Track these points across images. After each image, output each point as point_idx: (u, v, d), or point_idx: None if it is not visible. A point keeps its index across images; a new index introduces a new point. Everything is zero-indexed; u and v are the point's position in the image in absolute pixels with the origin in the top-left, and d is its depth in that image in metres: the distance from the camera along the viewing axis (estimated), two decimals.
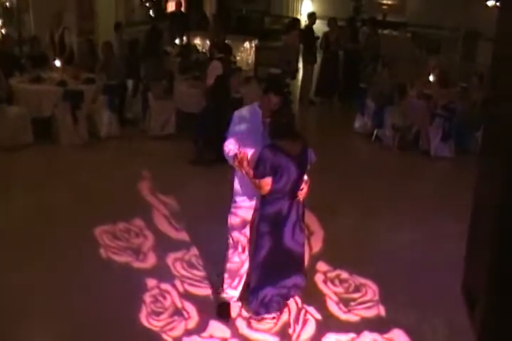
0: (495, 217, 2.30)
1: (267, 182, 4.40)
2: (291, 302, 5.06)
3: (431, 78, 10.34)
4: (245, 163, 4.41)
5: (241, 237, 4.77)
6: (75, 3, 12.28)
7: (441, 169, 8.98)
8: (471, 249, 2.66)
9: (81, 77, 9.25)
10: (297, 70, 12.40)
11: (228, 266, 4.86)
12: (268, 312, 4.85)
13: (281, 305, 4.90)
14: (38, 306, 4.94)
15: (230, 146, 4.59)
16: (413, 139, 9.50)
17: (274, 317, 4.90)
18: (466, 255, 2.63)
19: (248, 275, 4.84)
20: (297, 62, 12.17)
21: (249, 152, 4.53)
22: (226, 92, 8.30)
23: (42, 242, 5.93)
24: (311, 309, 5.08)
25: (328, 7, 19.17)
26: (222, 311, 4.95)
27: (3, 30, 11.19)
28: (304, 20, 14.99)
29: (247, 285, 4.87)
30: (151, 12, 15.82)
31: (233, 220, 4.76)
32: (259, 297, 4.78)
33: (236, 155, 4.43)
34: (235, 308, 5.00)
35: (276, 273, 4.78)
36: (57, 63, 9.51)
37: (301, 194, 4.63)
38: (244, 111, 4.77)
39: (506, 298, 2.23)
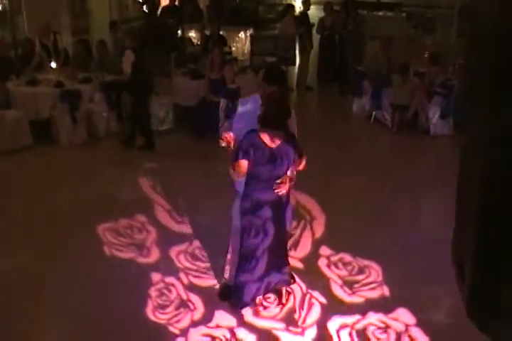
0: (479, 188, 2.32)
1: (242, 166, 4.40)
2: (295, 287, 5.11)
3: (426, 56, 10.30)
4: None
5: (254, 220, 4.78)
6: (67, 3, 12.28)
7: (441, 146, 8.94)
8: (459, 221, 2.68)
9: (77, 77, 9.28)
10: (295, 56, 12.37)
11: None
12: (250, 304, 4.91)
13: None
14: (45, 303, 5.00)
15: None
16: (412, 119, 9.47)
17: (279, 303, 4.95)
18: (454, 226, 2.67)
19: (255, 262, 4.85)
20: (294, 48, 12.12)
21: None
22: (144, 78, 8.50)
23: (45, 242, 5.98)
24: (316, 293, 5.12)
25: None
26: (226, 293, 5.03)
27: None
28: (298, 7, 14.94)
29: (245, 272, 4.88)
30: (144, 7, 15.78)
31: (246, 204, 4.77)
32: (264, 283, 4.82)
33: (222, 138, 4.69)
34: None
35: (279, 259, 4.83)
36: (53, 64, 9.55)
37: (285, 186, 4.59)
38: (248, 98, 5.00)
39: (490, 266, 2.26)
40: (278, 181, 4.49)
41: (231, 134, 4.71)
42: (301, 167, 4.65)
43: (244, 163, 4.41)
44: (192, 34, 13.84)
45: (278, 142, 4.43)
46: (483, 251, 2.25)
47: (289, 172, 4.60)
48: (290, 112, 4.53)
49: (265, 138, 4.42)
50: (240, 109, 4.98)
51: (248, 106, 4.89)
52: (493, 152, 2.24)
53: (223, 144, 4.71)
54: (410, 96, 9.38)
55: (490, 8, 2.06)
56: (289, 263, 4.94)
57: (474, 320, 2.30)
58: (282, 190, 4.52)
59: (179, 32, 13.10)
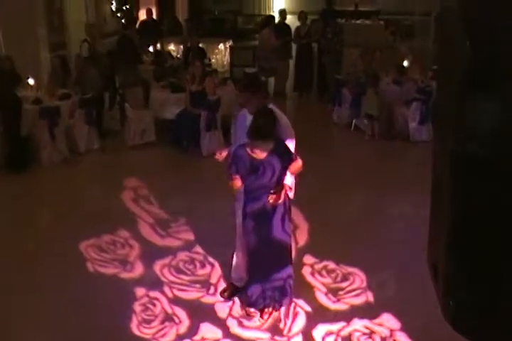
0: (449, 192, 2.35)
1: (235, 181, 4.49)
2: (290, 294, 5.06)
3: (405, 63, 10.40)
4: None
5: None
6: (44, 17, 12.20)
7: (421, 152, 8.96)
8: (433, 223, 2.73)
9: (56, 94, 9.24)
10: (276, 67, 12.41)
11: None
12: (258, 306, 4.89)
13: (276, 299, 4.88)
14: (29, 319, 4.96)
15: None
16: (391, 126, 9.53)
17: (265, 313, 4.92)
18: (429, 228, 2.72)
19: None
20: (275, 59, 12.15)
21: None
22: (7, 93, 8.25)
23: (28, 259, 5.94)
24: (301, 302, 5.12)
25: (300, 2, 19.25)
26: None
27: None
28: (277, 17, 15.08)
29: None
30: (123, 21, 15.81)
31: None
32: (247, 294, 4.82)
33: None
34: (225, 309, 5.05)
35: (266, 268, 4.81)
36: (31, 81, 9.51)
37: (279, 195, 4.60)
38: (240, 115, 5.02)
39: (463, 267, 2.30)
40: (272, 191, 4.50)
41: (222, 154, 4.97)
42: (294, 170, 4.63)
43: (237, 179, 4.49)
44: (171, 47, 13.87)
45: (265, 153, 4.46)
46: (455, 251, 2.28)
47: (286, 181, 4.62)
48: (274, 124, 4.51)
49: (252, 150, 4.46)
50: (238, 126, 5.03)
51: (241, 122, 4.93)
52: (458, 152, 2.27)
53: (218, 158, 4.98)
54: (387, 103, 9.46)
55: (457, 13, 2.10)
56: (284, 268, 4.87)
57: (448, 319, 2.32)
58: (277, 200, 4.52)
59: (158, 45, 13.15)
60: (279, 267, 4.80)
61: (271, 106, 4.83)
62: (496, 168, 2.05)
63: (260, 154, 4.46)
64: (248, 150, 4.48)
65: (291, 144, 4.79)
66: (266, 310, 4.89)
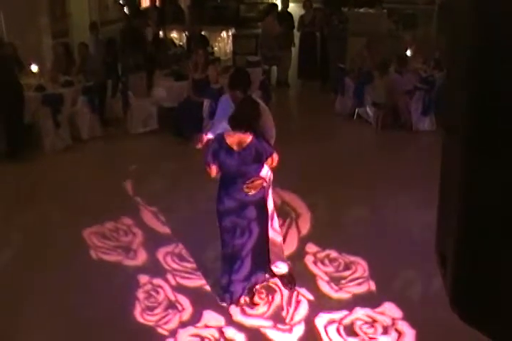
0: (459, 181, 2.33)
1: (212, 170, 4.52)
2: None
3: (408, 53, 10.37)
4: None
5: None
6: (46, 4, 12.15)
7: (424, 142, 8.99)
8: (441, 212, 2.70)
9: (59, 81, 9.23)
10: (279, 55, 12.37)
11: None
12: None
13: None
14: (34, 305, 5.00)
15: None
16: (394, 115, 9.52)
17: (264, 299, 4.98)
18: (437, 216, 2.70)
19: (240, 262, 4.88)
20: (278, 47, 12.11)
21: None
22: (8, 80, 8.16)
23: (30, 247, 5.96)
24: (303, 290, 5.15)
25: None
26: None
27: None
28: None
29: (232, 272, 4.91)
30: (125, 9, 15.73)
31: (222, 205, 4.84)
32: (251, 283, 4.86)
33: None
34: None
35: (265, 259, 4.87)
36: (34, 68, 9.48)
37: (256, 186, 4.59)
38: (223, 99, 5.14)
39: (472, 255, 2.29)
40: (248, 181, 4.50)
41: (207, 136, 4.96)
42: (273, 164, 4.63)
43: (213, 167, 4.49)
44: (174, 35, 13.82)
45: (244, 144, 4.46)
46: (465, 239, 2.27)
47: (263, 173, 4.62)
48: (258, 115, 4.52)
49: (231, 140, 4.46)
50: (218, 108, 5.18)
51: (222, 106, 5.06)
52: (470, 140, 2.25)
53: (199, 146, 5.00)
54: (391, 92, 9.44)
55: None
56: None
57: (456, 310, 2.33)
58: (252, 191, 4.52)
59: (160, 32, 13.11)
60: (270, 261, 5.04)
61: (254, 97, 4.98)
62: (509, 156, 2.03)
63: (238, 145, 4.46)
64: (228, 140, 4.47)
65: (271, 139, 4.80)
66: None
